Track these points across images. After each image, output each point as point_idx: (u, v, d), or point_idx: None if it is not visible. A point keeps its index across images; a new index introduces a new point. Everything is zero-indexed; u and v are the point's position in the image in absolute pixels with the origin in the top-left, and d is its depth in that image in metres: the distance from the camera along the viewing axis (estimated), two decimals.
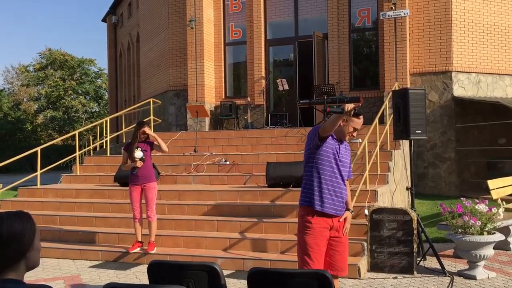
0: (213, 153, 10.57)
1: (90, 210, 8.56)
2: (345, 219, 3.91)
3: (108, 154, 12.05)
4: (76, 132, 11.73)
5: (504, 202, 6.51)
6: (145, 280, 5.93)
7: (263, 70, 13.94)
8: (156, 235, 7.01)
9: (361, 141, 8.81)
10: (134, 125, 7.44)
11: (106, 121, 12.81)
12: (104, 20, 27.45)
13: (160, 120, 14.36)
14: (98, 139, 14.93)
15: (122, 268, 6.62)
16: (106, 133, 12.79)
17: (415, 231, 6.01)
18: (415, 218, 6.08)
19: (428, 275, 5.90)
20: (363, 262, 6.03)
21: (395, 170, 8.86)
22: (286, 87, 13.18)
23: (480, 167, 12.38)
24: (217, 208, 7.81)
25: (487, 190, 7.92)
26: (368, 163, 7.63)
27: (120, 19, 25.11)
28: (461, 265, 6.31)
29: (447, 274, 5.86)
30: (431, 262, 6.33)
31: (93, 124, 14.44)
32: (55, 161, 12.32)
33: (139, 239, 6.91)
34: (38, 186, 10.03)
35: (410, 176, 7.07)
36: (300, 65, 13.95)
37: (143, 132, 6.81)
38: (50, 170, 11.46)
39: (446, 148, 11.86)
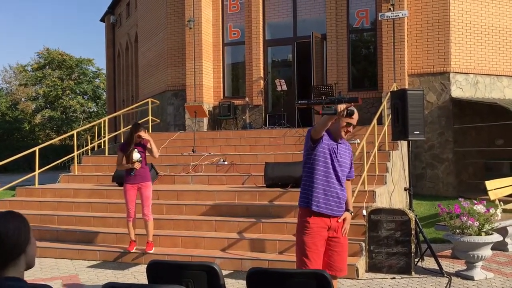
0: (212, 153, 10.58)
1: (88, 210, 8.56)
2: (344, 219, 3.90)
3: (106, 154, 12.04)
4: (74, 132, 11.71)
5: (501, 203, 6.52)
6: (143, 280, 5.93)
7: (262, 71, 13.95)
8: (154, 235, 7.02)
9: (359, 141, 8.83)
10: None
11: (104, 121, 12.80)
12: (102, 20, 27.40)
13: (159, 120, 14.36)
14: (96, 139, 14.91)
15: (120, 268, 6.62)
16: (104, 133, 12.79)
17: (413, 232, 6.03)
18: (413, 219, 6.09)
19: (426, 276, 5.91)
20: (361, 263, 6.04)
21: (393, 171, 8.87)
22: (285, 87, 13.19)
23: (477, 168, 12.41)
24: (215, 208, 7.82)
25: (485, 191, 7.95)
26: (367, 163, 7.65)
27: (118, 19, 25.08)
28: (459, 265, 6.33)
29: (445, 275, 5.87)
30: (429, 263, 6.35)
31: (92, 124, 14.44)
32: (53, 161, 12.31)
33: (133, 238, 6.93)
34: (36, 185, 10.02)
35: (408, 177, 7.07)
36: (298, 66, 13.96)
37: (139, 136, 6.82)
38: (48, 170, 11.45)
39: (444, 149, 11.88)
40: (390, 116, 7.40)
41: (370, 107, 12.70)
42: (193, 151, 10.89)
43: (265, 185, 8.39)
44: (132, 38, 21.82)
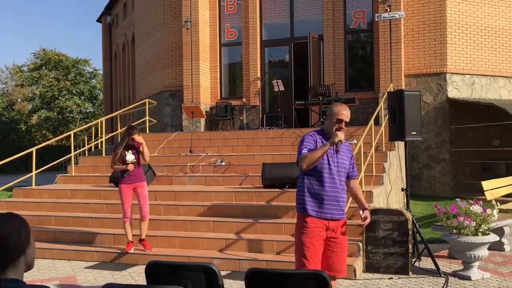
0: (209, 154, 10.58)
1: (86, 210, 8.55)
2: (365, 217, 3.86)
3: (103, 155, 12.02)
4: (71, 132, 11.70)
5: (498, 203, 6.55)
6: (141, 281, 5.93)
7: (259, 71, 13.96)
8: (152, 236, 7.04)
9: (356, 142, 8.84)
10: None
11: (101, 121, 12.79)
12: (99, 20, 27.38)
13: (156, 121, 14.35)
14: (93, 140, 14.89)
15: (118, 269, 6.61)
16: (101, 134, 12.77)
17: (410, 232, 6.04)
18: (410, 219, 6.11)
19: (423, 276, 5.93)
20: (358, 263, 6.05)
21: (390, 171, 8.89)
22: (282, 88, 13.21)
23: (474, 168, 12.45)
24: (213, 208, 7.82)
25: (482, 191, 7.97)
26: (364, 164, 7.67)
27: (115, 19, 25.05)
28: (456, 265, 6.35)
29: (442, 275, 5.89)
30: (426, 263, 6.37)
31: (88, 125, 14.39)
32: (50, 162, 12.28)
33: (131, 239, 6.94)
34: (33, 186, 10.00)
35: (405, 177, 7.09)
36: (295, 66, 13.98)
37: (132, 139, 6.87)
38: (45, 171, 11.43)
39: (440, 150, 11.92)
40: (387, 117, 7.42)
41: (367, 108, 12.73)
42: (190, 151, 10.89)
43: (262, 186, 8.39)
44: (129, 38, 21.80)
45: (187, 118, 13.32)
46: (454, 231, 5.90)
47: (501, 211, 7.14)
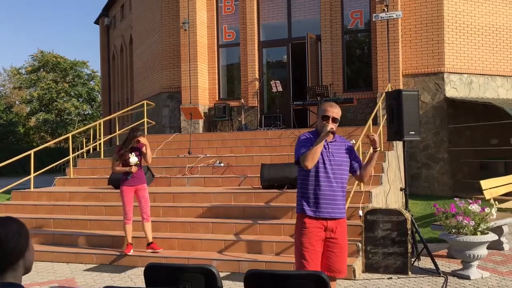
0: (207, 155, 10.57)
1: (84, 213, 8.53)
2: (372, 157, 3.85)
3: (102, 157, 12.01)
4: (70, 134, 11.68)
5: (497, 202, 6.56)
6: (140, 283, 5.92)
7: (257, 72, 13.96)
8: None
9: (354, 142, 8.84)
10: (128, 127, 7.45)
11: (99, 123, 12.77)
12: (96, 22, 27.35)
13: (154, 122, 14.33)
14: (91, 142, 14.88)
15: (117, 271, 6.60)
16: (99, 136, 12.75)
17: (409, 232, 6.04)
18: (409, 219, 6.11)
19: (422, 275, 5.93)
20: (357, 263, 6.05)
21: (389, 171, 8.90)
22: (280, 88, 13.21)
23: (472, 167, 12.47)
24: (212, 210, 7.81)
25: (480, 190, 7.99)
26: None
27: (112, 21, 25.03)
28: (455, 265, 6.35)
29: (441, 274, 5.89)
30: (425, 263, 6.37)
31: (87, 127, 14.38)
32: (48, 164, 12.26)
33: (130, 241, 6.93)
34: (32, 189, 9.99)
35: (404, 177, 7.10)
36: (293, 67, 13.98)
37: (137, 141, 6.87)
38: (43, 173, 11.40)
39: (439, 149, 11.92)
40: (385, 117, 7.43)
41: (365, 108, 12.74)
42: (189, 153, 10.88)
43: (261, 187, 8.39)
44: (127, 40, 21.78)
45: (185, 120, 13.31)
46: (453, 230, 5.91)
47: (499, 210, 7.15)
